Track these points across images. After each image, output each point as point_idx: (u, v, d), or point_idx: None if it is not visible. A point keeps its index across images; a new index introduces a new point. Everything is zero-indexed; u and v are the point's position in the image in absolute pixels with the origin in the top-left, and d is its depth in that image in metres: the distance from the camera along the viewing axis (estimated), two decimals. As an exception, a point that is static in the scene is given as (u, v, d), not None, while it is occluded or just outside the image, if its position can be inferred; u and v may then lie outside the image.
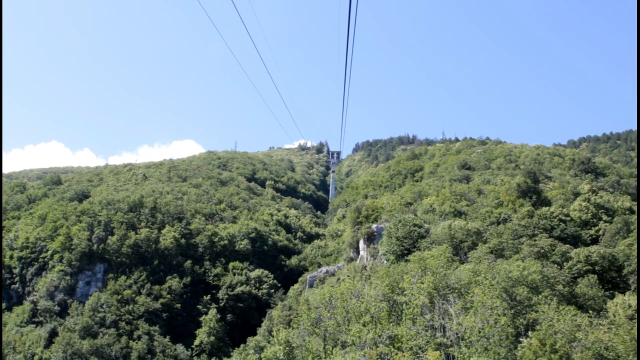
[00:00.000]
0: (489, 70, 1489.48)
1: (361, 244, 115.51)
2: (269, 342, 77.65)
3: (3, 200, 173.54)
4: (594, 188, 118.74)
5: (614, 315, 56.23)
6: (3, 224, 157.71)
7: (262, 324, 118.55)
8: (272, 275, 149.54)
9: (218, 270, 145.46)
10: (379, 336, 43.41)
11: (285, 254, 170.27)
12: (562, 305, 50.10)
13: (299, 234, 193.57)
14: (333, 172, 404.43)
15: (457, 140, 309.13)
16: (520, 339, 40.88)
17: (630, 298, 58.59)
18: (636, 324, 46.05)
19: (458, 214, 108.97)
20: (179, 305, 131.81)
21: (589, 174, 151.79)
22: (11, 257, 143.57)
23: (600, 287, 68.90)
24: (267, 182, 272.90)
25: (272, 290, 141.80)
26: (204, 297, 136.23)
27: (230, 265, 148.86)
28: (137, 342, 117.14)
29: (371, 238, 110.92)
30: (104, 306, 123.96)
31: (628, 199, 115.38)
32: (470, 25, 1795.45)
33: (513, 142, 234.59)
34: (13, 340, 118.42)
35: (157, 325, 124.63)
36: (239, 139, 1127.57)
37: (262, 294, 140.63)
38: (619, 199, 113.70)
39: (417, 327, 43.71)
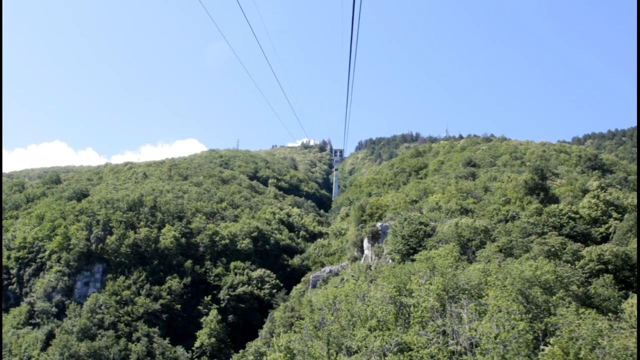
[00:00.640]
0: (491, 68, 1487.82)
1: (365, 243, 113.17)
2: (269, 346, 74.93)
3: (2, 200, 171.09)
4: (602, 185, 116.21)
5: (630, 317, 53.44)
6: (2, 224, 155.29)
7: (264, 326, 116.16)
8: (274, 275, 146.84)
9: (219, 270, 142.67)
10: (387, 343, 40.47)
11: (288, 253, 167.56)
12: (578, 307, 47.55)
13: (302, 232, 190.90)
14: (336, 170, 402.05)
15: (461, 137, 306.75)
16: (540, 346, 38.12)
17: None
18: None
19: (465, 211, 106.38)
20: (179, 306, 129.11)
21: (596, 171, 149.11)
22: (8, 258, 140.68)
23: (616, 287, 66.15)
24: (270, 181, 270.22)
25: (274, 291, 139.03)
26: (205, 297, 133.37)
27: (232, 265, 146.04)
28: (136, 344, 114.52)
29: (376, 237, 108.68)
30: (103, 307, 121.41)
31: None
32: (473, 23, 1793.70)
33: (517, 139, 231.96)
34: (9, 342, 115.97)
35: (157, 326, 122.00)
36: (241, 138, 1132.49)
37: (264, 295, 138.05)
38: (628, 195, 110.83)
39: (428, 332, 40.80)
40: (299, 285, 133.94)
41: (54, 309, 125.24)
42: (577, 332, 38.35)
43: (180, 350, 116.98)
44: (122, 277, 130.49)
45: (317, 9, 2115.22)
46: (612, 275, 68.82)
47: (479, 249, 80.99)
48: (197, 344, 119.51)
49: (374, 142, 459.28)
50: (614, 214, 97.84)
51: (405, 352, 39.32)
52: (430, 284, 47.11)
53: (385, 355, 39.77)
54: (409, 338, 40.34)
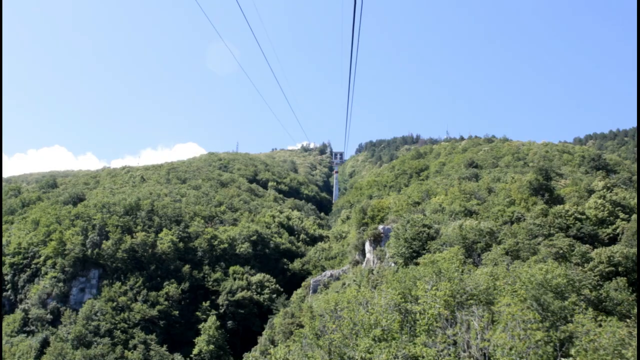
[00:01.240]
0: (490, 70, 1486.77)
1: (367, 246, 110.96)
2: (266, 357, 72.46)
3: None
4: (608, 185, 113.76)
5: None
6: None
7: (263, 333, 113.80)
8: (274, 280, 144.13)
9: (218, 275, 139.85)
10: (394, 356, 37.67)
11: (288, 257, 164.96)
12: (596, 313, 45.00)
13: (302, 236, 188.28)
14: (336, 172, 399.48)
15: (462, 138, 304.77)
16: (558, 358, 35.43)
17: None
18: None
19: (469, 213, 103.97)
20: (177, 312, 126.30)
21: (600, 171, 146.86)
22: (3, 264, 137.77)
23: (629, 290, 63.53)
24: (270, 184, 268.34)
25: (274, 296, 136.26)
26: (203, 303, 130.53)
27: (231, 269, 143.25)
28: (132, 352, 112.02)
29: (378, 240, 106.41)
30: (98, 314, 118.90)
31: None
32: (472, 25, 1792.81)
33: (519, 140, 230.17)
34: (3, 351, 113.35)
35: (154, 333, 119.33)
36: (241, 141, 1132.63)
37: (264, 300, 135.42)
38: (635, 195, 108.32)
39: (437, 343, 38.02)
40: (299, 290, 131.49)
41: (48, 316, 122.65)
42: (597, 341, 35.80)
43: (178, 357, 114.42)
44: (118, 283, 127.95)
45: (317, 11, 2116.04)
46: (625, 278, 66.12)
47: (485, 251, 79.16)
48: (195, 351, 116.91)
49: (374, 145, 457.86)
50: (621, 215, 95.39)
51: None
52: (437, 289, 44.66)
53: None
54: (417, 350, 37.56)
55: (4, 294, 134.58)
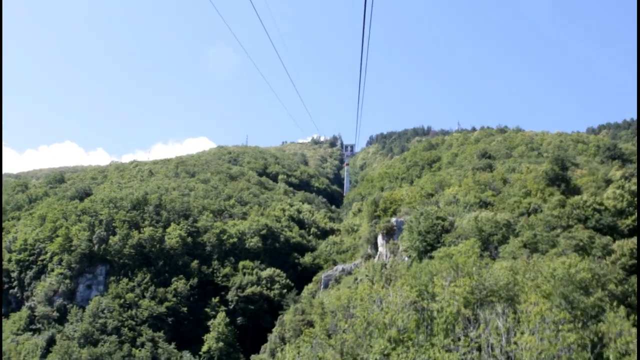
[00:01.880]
0: (501, 61, 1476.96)
1: (379, 240, 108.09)
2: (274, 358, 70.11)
3: (3, 200, 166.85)
4: (626, 174, 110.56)
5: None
6: (2, 226, 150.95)
7: (274, 330, 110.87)
8: (284, 275, 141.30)
9: (227, 270, 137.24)
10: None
11: (299, 252, 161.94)
12: (623, 310, 41.89)
13: (313, 229, 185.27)
14: (347, 165, 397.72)
15: (474, 129, 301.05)
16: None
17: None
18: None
19: (484, 204, 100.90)
20: (186, 308, 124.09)
21: (616, 161, 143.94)
22: (9, 261, 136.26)
23: (655, 284, 60.43)
24: (280, 177, 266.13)
25: (285, 291, 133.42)
26: (212, 299, 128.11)
27: (240, 264, 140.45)
28: (140, 350, 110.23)
29: (390, 233, 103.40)
30: (105, 311, 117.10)
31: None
32: (483, 16, 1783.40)
33: (531, 130, 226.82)
34: (8, 349, 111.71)
35: (162, 331, 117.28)
36: (251, 134, 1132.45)
37: (274, 295, 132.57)
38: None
39: (459, 347, 35.01)
40: (310, 285, 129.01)
41: (55, 314, 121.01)
42: (634, 342, 32.81)
43: (186, 355, 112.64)
44: (125, 279, 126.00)
45: (328, 2, 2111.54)
46: (652, 272, 63.01)
47: (502, 244, 76.32)
48: (204, 348, 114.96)
49: (385, 137, 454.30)
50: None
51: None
52: (457, 286, 41.76)
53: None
54: (438, 355, 34.58)
55: (11, 291, 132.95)
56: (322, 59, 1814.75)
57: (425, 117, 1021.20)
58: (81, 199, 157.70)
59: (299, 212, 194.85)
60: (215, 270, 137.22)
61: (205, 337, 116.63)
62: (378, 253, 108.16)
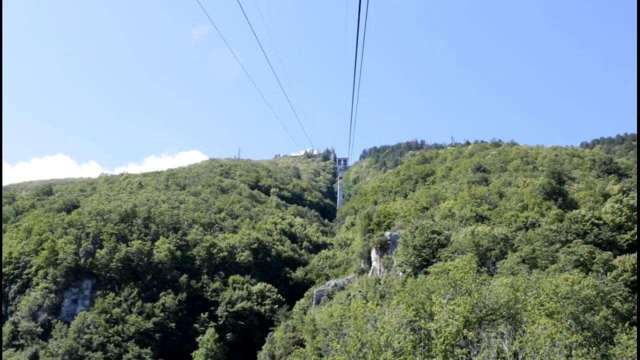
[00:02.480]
0: (494, 75, 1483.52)
1: (373, 254, 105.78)
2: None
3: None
4: (624, 188, 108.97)
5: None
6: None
7: (263, 347, 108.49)
8: (275, 289, 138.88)
9: (217, 284, 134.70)
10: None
11: (290, 266, 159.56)
12: (635, 331, 39.54)
13: (305, 243, 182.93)
14: (340, 178, 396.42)
15: (468, 143, 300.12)
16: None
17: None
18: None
19: (480, 218, 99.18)
20: (174, 324, 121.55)
21: (612, 175, 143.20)
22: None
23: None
24: (272, 190, 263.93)
25: (276, 306, 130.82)
26: (202, 314, 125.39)
27: (230, 279, 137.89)
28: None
29: (384, 247, 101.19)
30: (91, 327, 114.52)
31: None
32: (477, 30, 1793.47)
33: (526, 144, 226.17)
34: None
35: (149, 347, 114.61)
36: (243, 148, 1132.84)
37: (265, 310, 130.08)
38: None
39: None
40: (301, 300, 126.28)
41: (39, 329, 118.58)
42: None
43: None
44: (112, 294, 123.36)
45: (321, 15, 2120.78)
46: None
47: (500, 259, 74.80)
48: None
49: (378, 150, 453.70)
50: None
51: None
52: (457, 304, 39.20)
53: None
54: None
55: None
56: (316, 73, 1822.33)
57: (418, 131, 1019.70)
58: (68, 212, 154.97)
59: (291, 225, 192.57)
60: (204, 285, 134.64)
61: (193, 354, 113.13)
62: (372, 268, 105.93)
